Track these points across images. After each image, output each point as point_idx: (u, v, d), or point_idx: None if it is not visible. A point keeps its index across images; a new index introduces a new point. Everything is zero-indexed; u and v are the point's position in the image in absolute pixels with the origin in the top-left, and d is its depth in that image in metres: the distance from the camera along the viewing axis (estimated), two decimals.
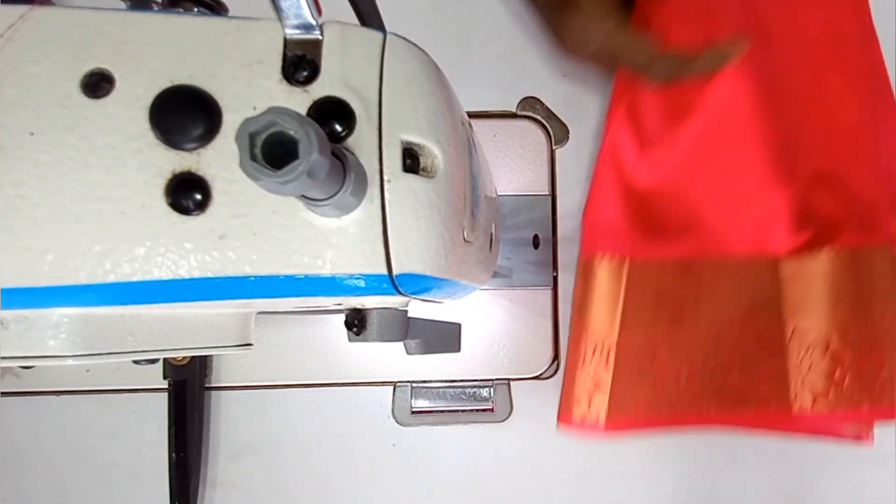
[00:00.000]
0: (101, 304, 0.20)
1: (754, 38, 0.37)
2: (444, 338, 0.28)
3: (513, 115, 0.44)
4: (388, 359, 0.41)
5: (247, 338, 0.26)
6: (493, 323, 0.42)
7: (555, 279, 0.43)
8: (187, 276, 0.20)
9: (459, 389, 0.42)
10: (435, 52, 0.23)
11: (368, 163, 0.20)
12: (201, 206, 0.20)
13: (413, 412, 0.41)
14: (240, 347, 0.25)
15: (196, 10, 0.23)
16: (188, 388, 0.39)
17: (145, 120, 0.20)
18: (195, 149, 0.20)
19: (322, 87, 0.20)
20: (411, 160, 0.21)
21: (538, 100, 0.44)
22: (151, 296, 0.20)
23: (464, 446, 0.41)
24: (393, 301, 0.23)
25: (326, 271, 0.20)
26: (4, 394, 0.40)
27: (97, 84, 0.20)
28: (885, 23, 0.42)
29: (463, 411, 0.41)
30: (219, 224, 0.20)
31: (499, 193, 0.42)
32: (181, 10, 0.23)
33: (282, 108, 0.15)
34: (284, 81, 0.20)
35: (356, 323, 0.23)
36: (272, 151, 0.15)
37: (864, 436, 0.39)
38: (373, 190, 0.20)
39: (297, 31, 0.20)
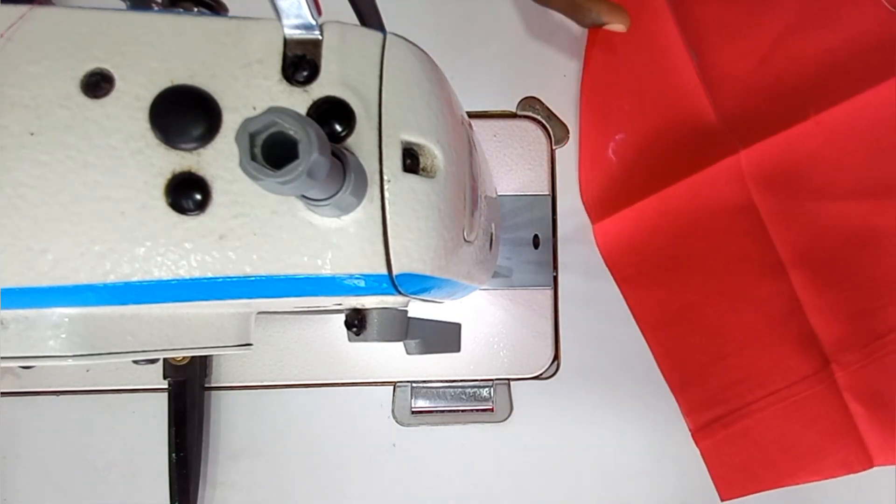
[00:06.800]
0: (101, 304, 0.20)
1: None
2: (444, 338, 0.28)
3: (513, 115, 0.44)
4: (388, 359, 0.41)
5: (247, 338, 0.26)
6: (493, 323, 0.42)
7: (555, 279, 0.43)
8: (187, 276, 0.20)
9: (459, 389, 0.42)
10: (435, 52, 0.23)
11: (368, 163, 0.20)
12: (201, 206, 0.20)
13: (413, 412, 0.41)
14: (240, 347, 0.25)
15: (196, 10, 0.23)
16: (188, 388, 0.39)
17: (145, 120, 0.20)
18: (195, 149, 0.20)
19: (322, 87, 0.20)
20: (411, 160, 0.21)
21: (538, 100, 0.44)
22: (151, 296, 0.20)
23: (464, 446, 0.41)
24: (393, 301, 0.23)
25: (326, 271, 0.20)
26: (4, 394, 0.40)
27: (97, 84, 0.20)
28: None
29: (463, 411, 0.41)
30: (219, 224, 0.20)
31: (499, 193, 0.42)
32: (181, 10, 0.23)
33: (282, 108, 0.15)
34: (284, 81, 0.20)
35: (356, 323, 0.23)
36: (272, 151, 0.15)
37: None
38: (373, 190, 0.20)
39: (297, 31, 0.20)
